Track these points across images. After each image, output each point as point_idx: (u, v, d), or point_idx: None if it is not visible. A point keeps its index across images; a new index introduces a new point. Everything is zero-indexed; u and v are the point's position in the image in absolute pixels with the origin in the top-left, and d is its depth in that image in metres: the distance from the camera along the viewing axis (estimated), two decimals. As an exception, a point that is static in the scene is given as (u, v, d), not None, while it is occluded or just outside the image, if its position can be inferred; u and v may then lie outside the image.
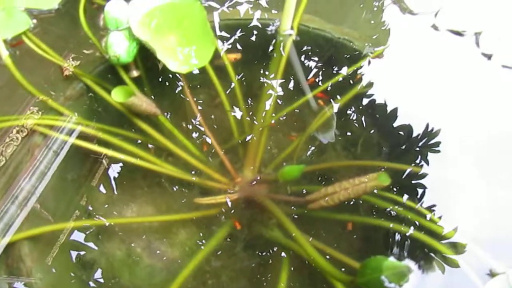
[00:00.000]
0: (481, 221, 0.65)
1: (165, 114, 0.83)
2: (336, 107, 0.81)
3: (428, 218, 0.66)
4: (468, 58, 0.75)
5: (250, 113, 0.84)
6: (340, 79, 0.83)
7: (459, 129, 0.73)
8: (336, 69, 0.83)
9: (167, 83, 0.87)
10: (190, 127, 0.84)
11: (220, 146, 0.81)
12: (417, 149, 0.77)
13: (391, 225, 0.67)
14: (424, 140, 0.77)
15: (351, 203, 0.74)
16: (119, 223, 0.73)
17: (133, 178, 0.78)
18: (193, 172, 0.79)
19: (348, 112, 0.81)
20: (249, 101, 0.85)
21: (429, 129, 0.76)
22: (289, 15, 0.74)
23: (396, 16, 0.83)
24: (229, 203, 0.75)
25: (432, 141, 0.76)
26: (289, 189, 0.79)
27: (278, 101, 0.86)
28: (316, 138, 0.83)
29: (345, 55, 0.83)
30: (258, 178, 0.79)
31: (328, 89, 0.82)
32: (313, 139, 0.83)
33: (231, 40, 0.85)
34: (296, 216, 0.75)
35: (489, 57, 0.73)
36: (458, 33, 0.77)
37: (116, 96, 0.72)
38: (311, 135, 0.83)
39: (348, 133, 0.81)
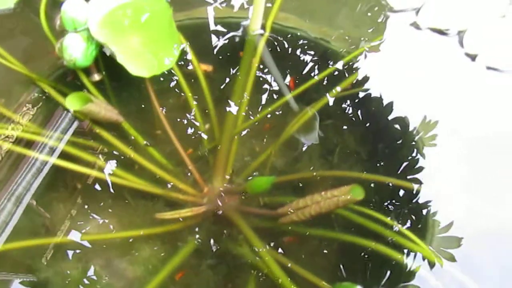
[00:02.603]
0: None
1: (131, 120, 0.78)
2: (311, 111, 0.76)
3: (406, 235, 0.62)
4: (451, 59, 0.70)
5: (221, 119, 0.79)
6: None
7: (441, 133, 0.68)
8: (312, 70, 0.78)
9: (132, 87, 0.82)
10: (157, 134, 0.79)
11: (188, 154, 0.77)
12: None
13: (369, 243, 0.62)
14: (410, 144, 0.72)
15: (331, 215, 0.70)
16: (77, 240, 0.68)
17: (93, 191, 0.74)
18: (159, 183, 0.74)
19: (324, 117, 0.76)
20: (220, 106, 0.80)
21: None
22: (258, 14, 0.69)
23: (377, 14, 0.78)
24: (197, 216, 0.71)
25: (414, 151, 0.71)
26: (261, 200, 0.74)
27: (252, 105, 0.81)
28: (291, 144, 0.78)
29: (321, 56, 0.78)
30: (228, 189, 0.74)
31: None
32: (288, 145, 0.78)
33: (199, 41, 0.80)
34: (267, 231, 0.70)
35: (473, 57, 0.69)
36: (441, 32, 0.72)
37: (71, 103, 0.66)
38: (287, 140, 0.78)
39: (326, 139, 0.77)
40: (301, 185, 0.74)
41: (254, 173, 0.77)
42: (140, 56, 0.74)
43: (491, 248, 0.64)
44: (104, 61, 0.78)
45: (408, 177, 0.64)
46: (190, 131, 0.79)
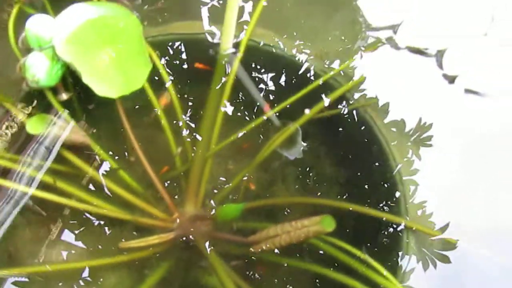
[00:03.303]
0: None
1: (102, 141, 0.75)
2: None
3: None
4: (430, 81, 0.68)
5: (195, 140, 0.77)
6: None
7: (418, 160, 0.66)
8: (288, 90, 0.75)
9: (104, 105, 0.79)
10: (128, 155, 0.76)
11: (160, 177, 0.74)
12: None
13: (340, 276, 0.60)
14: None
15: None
16: (38, 271, 0.65)
17: (58, 216, 0.70)
18: (128, 207, 0.71)
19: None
20: (193, 126, 0.77)
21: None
22: (229, 33, 0.66)
23: (355, 31, 0.75)
24: (166, 243, 0.68)
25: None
26: (234, 225, 0.72)
27: (228, 125, 0.79)
28: (267, 165, 0.75)
29: (298, 75, 0.75)
30: (200, 213, 0.71)
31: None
32: (264, 166, 0.75)
33: (172, 58, 0.78)
34: (239, 258, 0.67)
35: (452, 79, 0.66)
36: (420, 51, 0.69)
37: (32, 127, 0.64)
38: (262, 161, 0.75)
39: (302, 162, 0.74)
40: (275, 210, 0.71)
41: (229, 196, 0.74)
42: (109, 75, 0.71)
43: (489, 248, 0.62)
44: (74, 78, 0.75)
45: (383, 205, 0.62)
46: (162, 152, 0.76)
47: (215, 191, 0.74)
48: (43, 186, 0.68)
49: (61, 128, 0.65)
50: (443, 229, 0.66)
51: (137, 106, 0.80)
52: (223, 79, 0.76)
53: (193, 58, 0.78)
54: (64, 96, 0.75)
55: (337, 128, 0.72)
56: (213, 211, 0.71)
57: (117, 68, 0.72)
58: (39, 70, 0.68)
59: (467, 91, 0.64)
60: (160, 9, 0.84)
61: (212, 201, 0.73)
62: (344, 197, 0.68)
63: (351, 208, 0.60)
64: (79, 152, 0.72)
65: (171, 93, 0.74)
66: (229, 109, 0.77)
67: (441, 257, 0.65)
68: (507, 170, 0.66)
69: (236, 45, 0.75)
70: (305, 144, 0.74)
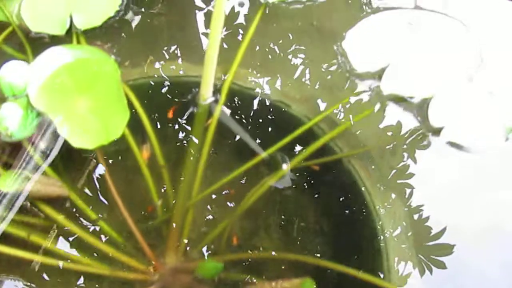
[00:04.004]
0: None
1: (82, 190, 0.73)
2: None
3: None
4: (415, 134, 0.66)
5: (177, 187, 0.75)
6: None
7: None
8: (271, 137, 0.73)
9: (86, 151, 0.76)
10: (108, 204, 0.74)
11: (140, 226, 0.72)
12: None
13: None
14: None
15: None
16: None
17: (31, 273, 0.68)
18: (107, 259, 0.69)
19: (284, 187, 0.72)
20: (176, 172, 0.75)
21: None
22: (208, 82, 0.64)
23: (339, 76, 0.73)
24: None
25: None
26: (216, 278, 0.70)
27: (212, 170, 0.77)
28: (251, 213, 0.74)
29: (281, 121, 0.73)
30: (181, 265, 0.70)
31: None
32: (247, 215, 0.74)
33: (153, 103, 0.76)
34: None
35: (438, 131, 0.64)
36: (404, 100, 0.67)
37: (3, 184, 0.62)
38: (246, 209, 0.74)
39: (285, 210, 0.73)
40: (258, 261, 0.69)
41: (212, 245, 0.73)
42: (85, 125, 0.69)
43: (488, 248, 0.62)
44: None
45: (365, 265, 0.60)
46: (143, 198, 0.74)
47: (198, 240, 0.73)
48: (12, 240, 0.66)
49: (36, 184, 0.63)
50: (439, 235, 0.66)
51: (117, 150, 0.78)
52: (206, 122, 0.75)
53: (175, 102, 0.77)
54: (42, 145, 0.73)
55: (321, 177, 0.70)
56: (195, 262, 0.69)
57: (95, 117, 0.69)
58: (12, 123, 0.65)
59: (453, 144, 0.63)
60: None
61: (194, 251, 0.72)
62: (328, 249, 0.67)
63: (332, 268, 0.59)
64: (55, 204, 0.70)
65: (152, 141, 0.73)
66: (213, 152, 0.76)
67: (437, 262, 0.64)
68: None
69: (218, 89, 0.74)
70: (289, 191, 0.72)
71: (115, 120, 0.70)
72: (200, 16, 0.86)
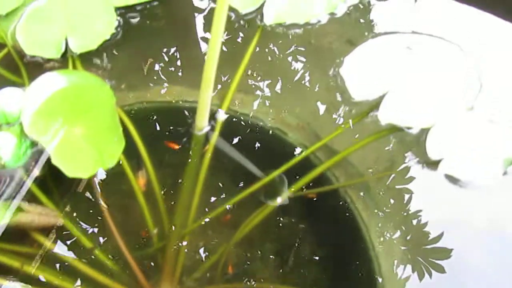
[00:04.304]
0: None
1: (77, 217, 0.73)
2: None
3: None
4: (413, 167, 0.66)
5: (172, 214, 0.74)
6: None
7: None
8: (267, 165, 0.73)
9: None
10: (102, 230, 0.73)
11: (134, 253, 0.71)
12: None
13: None
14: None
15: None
16: None
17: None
18: (103, 286, 0.69)
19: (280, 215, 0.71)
20: (171, 200, 0.75)
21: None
22: (204, 112, 0.63)
23: (337, 104, 0.73)
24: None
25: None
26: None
27: (208, 192, 0.76)
28: (247, 240, 0.73)
29: (278, 149, 0.73)
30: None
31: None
32: (243, 242, 0.73)
33: (149, 129, 0.75)
34: None
35: (436, 164, 0.64)
36: (402, 130, 0.66)
37: (-5, 216, 0.61)
38: (242, 237, 0.73)
39: (281, 239, 0.72)
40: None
41: (207, 274, 0.72)
42: (80, 154, 0.68)
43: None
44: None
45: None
46: (139, 224, 0.73)
47: (193, 268, 0.72)
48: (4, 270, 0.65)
49: (28, 215, 0.62)
50: (437, 239, 0.66)
51: (113, 173, 0.77)
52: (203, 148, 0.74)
53: (171, 127, 0.76)
54: (37, 172, 0.72)
55: (318, 206, 0.69)
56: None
57: (89, 145, 0.69)
58: (5, 153, 0.64)
59: (452, 178, 0.62)
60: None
61: (189, 280, 0.71)
62: (324, 279, 0.66)
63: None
64: (49, 232, 0.70)
65: (148, 167, 0.72)
66: (209, 179, 0.75)
67: (436, 266, 0.63)
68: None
69: (214, 115, 0.73)
70: (286, 219, 0.72)
71: (110, 148, 0.69)
72: (199, 36, 0.86)
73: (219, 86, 0.76)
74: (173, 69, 0.80)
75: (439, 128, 0.65)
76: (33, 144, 0.67)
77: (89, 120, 0.69)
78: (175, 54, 0.83)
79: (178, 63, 0.80)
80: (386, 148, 0.68)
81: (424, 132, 0.66)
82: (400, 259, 0.62)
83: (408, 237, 0.62)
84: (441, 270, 0.63)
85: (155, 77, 0.79)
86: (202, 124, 0.66)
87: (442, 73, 0.73)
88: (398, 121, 0.66)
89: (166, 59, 0.82)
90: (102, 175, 0.74)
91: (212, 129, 0.71)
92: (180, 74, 0.79)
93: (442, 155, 0.63)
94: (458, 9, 0.86)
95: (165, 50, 0.82)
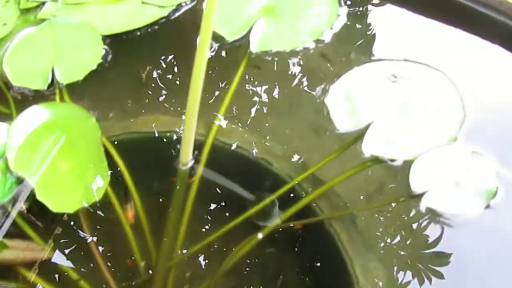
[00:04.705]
0: None
1: (64, 251, 0.73)
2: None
3: None
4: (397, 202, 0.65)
5: (159, 246, 0.74)
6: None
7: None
8: (252, 197, 0.73)
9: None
10: (92, 265, 0.74)
11: (122, 285, 0.72)
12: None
13: None
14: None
15: None
16: None
17: None
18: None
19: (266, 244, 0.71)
20: (158, 233, 0.74)
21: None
22: (188, 147, 0.63)
23: (322, 134, 0.73)
24: None
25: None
26: None
27: (195, 221, 0.76)
28: (234, 270, 0.73)
29: (263, 179, 0.73)
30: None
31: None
32: (230, 270, 0.73)
33: (137, 161, 0.75)
34: None
35: (419, 197, 0.64)
36: (385, 162, 0.67)
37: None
38: (230, 265, 0.73)
39: (267, 268, 0.72)
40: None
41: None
42: (66, 188, 0.69)
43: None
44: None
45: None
46: (125, 256, 0.74)
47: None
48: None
49: (13, 252, 0.62)
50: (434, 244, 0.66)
51: (99, 204, 0.78)
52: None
53: (158, 158, 0.76)
54: (23, 205, 0.72)
55: (303, 237, 0.69)
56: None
57: (75, 179, 0.69)
58: (-13, 189, 0.65)
59: (432, 212, 0.62)
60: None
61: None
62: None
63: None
64: (34, 265, 0.70)
65: (135, 199, 0.72)
66: (196, 209, 0.75)
67: (435, 272, 0.63)
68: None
69: (200, 146, 0.73)
70: (272, 249, 0.72)
71: (95, 182, 0.69)
72: (187, 64, 0.86)
73: (205, 115, 0.77)
74: (162, 98, 0.81)
75: (422, 160, 0.65)
76: (19, 180, 0.68)
77: (75, 154, 0.70)
78: (163, 82, 0.84)
79: (164, 92, 0.81)
80: (370, 180, 0.68)
81: (408, 164, 0.66)
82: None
83: (394, 272, 0.62)
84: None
85: (142, 107, 0.80)
86: (186, 159, 0.66)
87: (426, 102, 0.73)
88: (382, 153, 0.66)
89: (153, 86, 0.83)
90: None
91: (197, 161, 0.71)
92: (167, 103, 0.79)
93: (425, 188, 0.63)
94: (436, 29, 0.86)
95: (153, 78, 0.83)
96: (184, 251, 0.71)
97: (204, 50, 0.60)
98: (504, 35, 0.84)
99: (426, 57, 0.80)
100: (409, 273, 0.62)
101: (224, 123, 0.76)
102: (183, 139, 0.63)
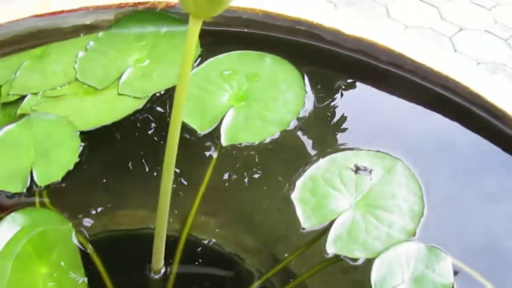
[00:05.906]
0: None
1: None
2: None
3: None
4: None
5: None
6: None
7: None
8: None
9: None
10: None
11: None
12: None
13: None
14: None
15: None
16: None
17: None
18: None
19: None
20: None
21: None
22: (159, 254, 0.66)
23: (291, 229, 0.76)
24: None
25: None
26: None
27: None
28: None
29: (235, 276, 0.76)
30: None
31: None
32: None
33: (114, 256, 0.77)
34: None
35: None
36: (346, 261, 0.70)
37: None
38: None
39: None
40: None
41: None
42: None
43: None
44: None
45: None
46: None
47: None
48: None
49: None
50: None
51: None
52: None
53: (140, 258, 0.79)
54: None
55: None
56: None
57: (53, 286, 0.72)
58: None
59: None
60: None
61: None
62: None
63: None
64: None
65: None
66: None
67: None
68: None
69: (174, 244, 0.76)
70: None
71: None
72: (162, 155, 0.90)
73: (179, 210, 0.80)
74: (140, 192, 0.84)
75: (383, 259, 0.68)
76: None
77: (52, 261, 0.72)
78: (141, 176, 0.87)
79: (142, 186, 0.84)
80: (332, 280, 0.71)
81: (370, 262, 0.69)
82: None
83: None
84: None
85: (120, 203, 0.83)
86: (157, 265, 0.68)
87: (387, 194, 0.77)
88: (343, 251, 0.70)
89: (130, 181, 0.86)
90: None
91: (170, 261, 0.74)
92: (148, 199, 0.82)
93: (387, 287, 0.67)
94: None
95: (130, 172, 0.86)
96: None
97: (172, 150, 0.59)
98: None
99: (388, 142, 0.85)
100: None
101: (197, 219, 0.80)
102: (153, 249, 0.66)
